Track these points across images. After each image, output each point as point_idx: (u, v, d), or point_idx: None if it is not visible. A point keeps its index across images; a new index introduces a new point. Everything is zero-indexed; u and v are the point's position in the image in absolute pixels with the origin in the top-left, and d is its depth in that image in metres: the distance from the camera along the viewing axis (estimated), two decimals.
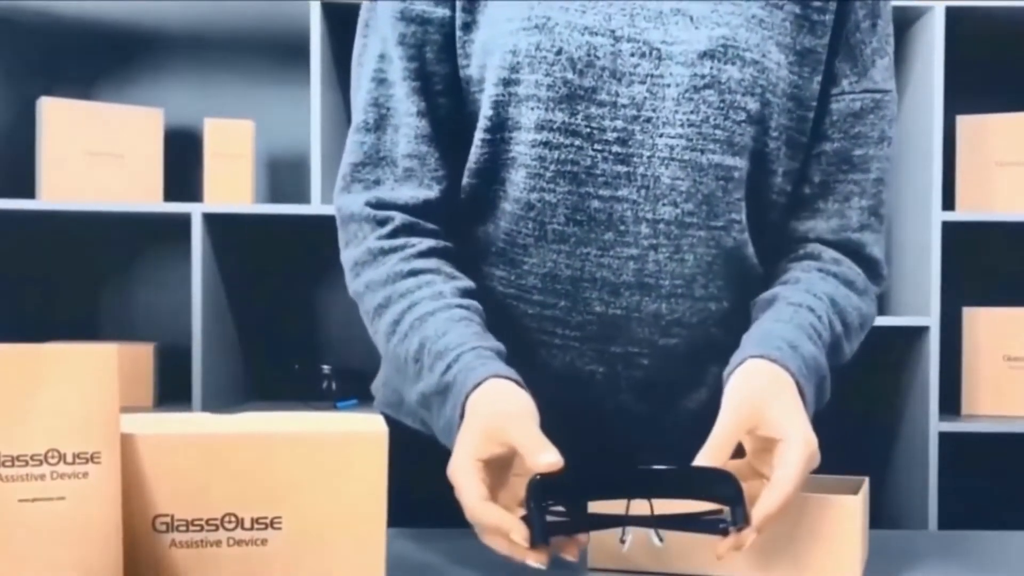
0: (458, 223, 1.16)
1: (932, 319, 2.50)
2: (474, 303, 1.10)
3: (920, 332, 2.56)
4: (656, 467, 0.93)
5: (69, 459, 0.77)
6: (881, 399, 2.82)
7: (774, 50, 1.11)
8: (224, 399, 2.66)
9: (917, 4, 2.51)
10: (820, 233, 1.17)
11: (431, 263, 1.12)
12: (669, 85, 1.08)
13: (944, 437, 2.79)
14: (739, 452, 0.99)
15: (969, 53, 2.84)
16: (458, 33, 1.13)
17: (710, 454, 0.94)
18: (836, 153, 1.16)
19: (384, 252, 1.12)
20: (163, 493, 0.81)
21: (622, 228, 1.10)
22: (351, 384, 2.77)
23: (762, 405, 0.97)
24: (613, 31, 1.09)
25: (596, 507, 0.95)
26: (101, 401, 0.78)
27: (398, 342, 1.08)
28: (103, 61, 2.92)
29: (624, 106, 1.09)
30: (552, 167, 1.10)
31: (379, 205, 1.14)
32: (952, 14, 2.52)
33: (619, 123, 1.09)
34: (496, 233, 1.14)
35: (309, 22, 2.56)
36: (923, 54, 2.57)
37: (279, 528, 0.83)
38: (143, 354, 2.65)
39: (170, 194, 2.80)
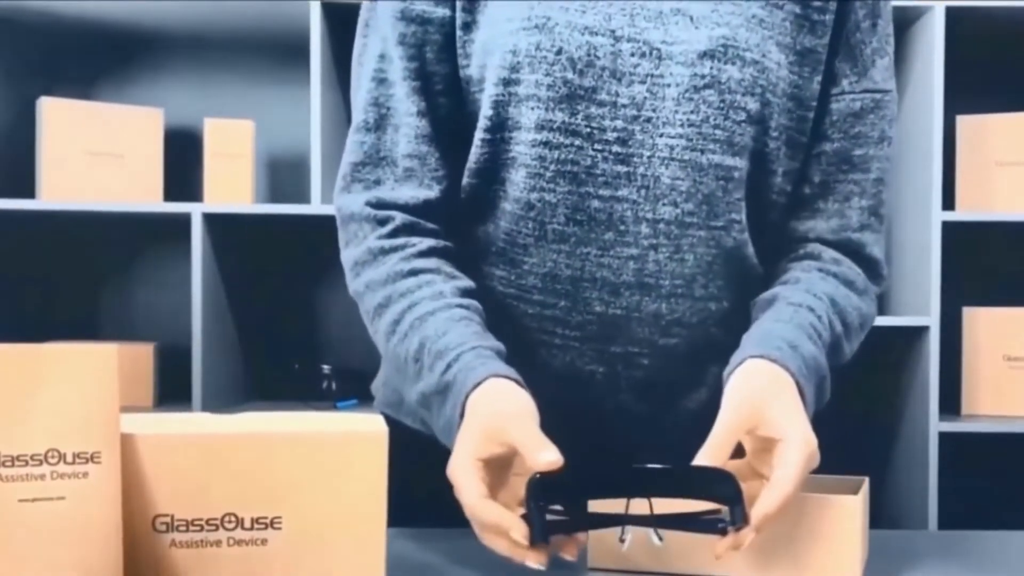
0: (458, 223, 1.16)
1: (932, 319, 2.50)
2: (474, 303, 1.10)
3: (920, 332, 2.56)
4: (655, 466, 0.93)
5: (69, 459, 0.77)
6: (881, 399, 2.82)
7: (774, 50, 1.11)
8: (224, 399, 2.66)
9: (917, 4, 2.51)
10: (820, 233, 1.17)
11: (431, 263, 1.12)
12: (669, 85, 1.08)
13: (944, 437, 2.79)
14: (739, 452, 0.99)
15: (969, 53, 2.84)
16: (458, 33, 1.13)
17: (709, 453, 0.94)
18: (836, 153, 1.16)
19: (384, 252, 1.12)
20: (163, 493, 0.81)
21: (622, 228, 1.10)
22: (351, 384, 2.77)
23: (762, 405, 0.97)
24: (613, 31, 1.09)
25: (595, 506, 0.95)
26: (101, 401, 0.78)
27: (398, 342, 1.08)
28: (103, 61, 2.92)
29: (624, 106, 1.09)
30: (552, 167, 1.10)
31: (379, 205, 1.14)
32: (952, 14, 2.52)
33: (619, 123, 1.09)
34: (496, 233, 1.14)
35: (309, 22, 2.56)
36: (923, 54, 2.57)
37: (279, 528, 0.83)
38: (143, 354, 2.65)
39: (170, 194, 2.80)
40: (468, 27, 1.13)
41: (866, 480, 1.04)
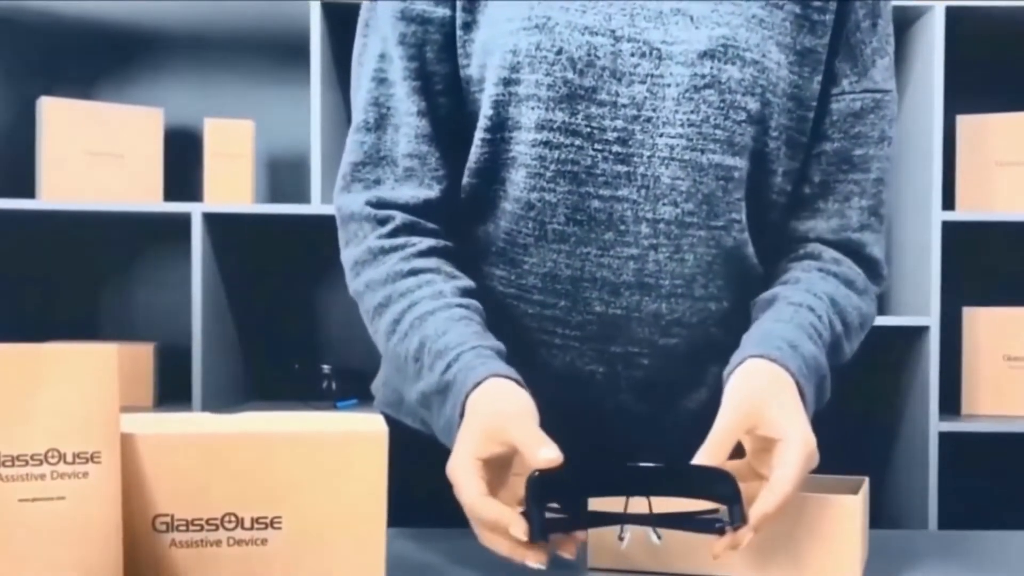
0: (458, 223, 1.16)
1: (932, 319, 2.50)
2: (474, 302, 1.10)
3: (920, 332, 2.56)
4: (654, 465, 0.93)
5: (69, 459, 0.77)
6: (881, 399, 2.82)
7: (774, 50, 1.11)
8: (224, 399, 2.66)
9: (917, 4, 2.51)
10: (820, 233, 1.17)
11: (431, 262, 1.12)
12: (669, 85, 1.08)
13: (944, 437, 2.79)
14: (739, 453, 0.99)
15: (969, 53, 2.84)
16: (458, 33, 1.13)
17: (709, 452, 0.94)
18: (836, 153, 1.16)
19: (384, 251, 1.12)
20: (163, 493, 0.81)
21: (622, 228, 1.10)
22: (351, 384, 2.77)
23: (762, 405, 0.97)
24: (613, 31, 1.09)
25: (594, 505, 0.95)
26: (101, 401, 0.78)
27: (398, 341, 1.08)
28: (103, 61, 2.92)
29: (624, 106, 1.09)
30: (552, 167, 1.10)
31: (379, 204, 1.14)
32: (952, 14, 2.52)
33: (619, 123, 1.09)
34: (496, 233, 1.14)
35: (309, 22, 2.56)
36: (923, 54, 2.57)
37: (279, 528, 0.83)
38: (143, 354, 2.65)
39: (170, 194, 2.80)
40: (468, 27, 1.13)
41: (866, 480, 1.04)
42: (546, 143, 1.09)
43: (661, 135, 1.09)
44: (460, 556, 1.03)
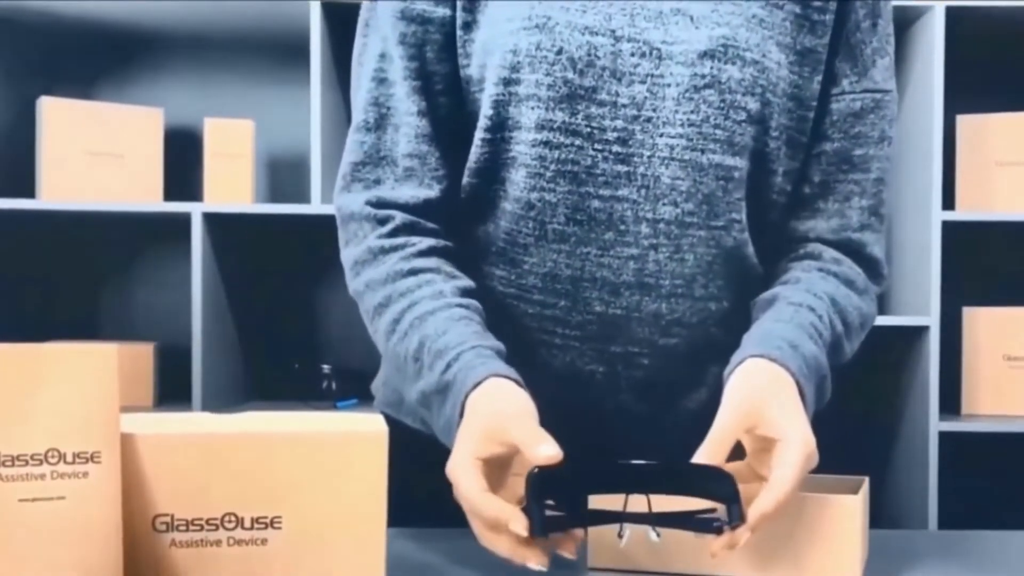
0: (458, 222, 1.16)
1: (932, 319, 2.50)
2: (474, 302, 1.10)
3: (920, 332, 2.56)
4: (653, 463, 0.93)
5: (69, 459, 0.77)
6: (881, 399, 2.82)
7: (774, 50, 1.11)
8: (224, 399, 2.66)
9: (917, 4, 2.51)
10: (820, 233, 1.17)
11: (431, 262, 1.12)
12: (669, 85, 1.08)
13: (944, 437, 2.79)
14: (740, 454, 0.99)
15: (969, 53, 2.84)
16: (458, 32, 1.13)
17: (708, 451, 0.94)
18: (836, 153, 1.16)
19: (384, 251, 1.12)
20: (163, 493, 0.81)
21: (622, 228, 1.10)
22: (351, 384, 2.77)
23: (761, 404, 0.97)
24: (613, 31, 1.09)
25: (594, 503, 0.95)
26: (101, 401, 0.78)
27: (398, 341, 1.08)
28: (103, 61, 2.92)
29: (624, 106, 1.09)
30: (552, 167, 1.10)
31: (379, 204, 1.14)
32: (952, 14, 2.52)
33: (619, 123, 1.09)
34: (496, 233, 1.14)
35: (309, 22, 2.56)
36: (923, 54, 2.57)
37: (279, 528, 0.83)
38: (143, 354, 2.65)
39: (170, 194, 2.80)
40: (468, 27, 1.13)
41: (866, 480, 1.04)
42: (546, 143, 1.09)
43: (661, 135, 1.09)
44: (460, 556, 1.03)
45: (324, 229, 2.35)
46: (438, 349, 1.04)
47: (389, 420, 1.18)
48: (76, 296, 2.92)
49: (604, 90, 1.08)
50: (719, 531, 0.92)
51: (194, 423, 0.85)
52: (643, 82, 1.09)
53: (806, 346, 1.04)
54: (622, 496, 0.94)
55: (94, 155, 2.64)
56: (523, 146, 1.10)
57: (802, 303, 1.09)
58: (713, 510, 0.93)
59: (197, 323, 2.50)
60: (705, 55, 1.08)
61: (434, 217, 1.14)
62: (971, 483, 2.93)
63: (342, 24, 2.59)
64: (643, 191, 1.09)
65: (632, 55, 1.09)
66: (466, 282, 1.12)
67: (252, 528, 0.83)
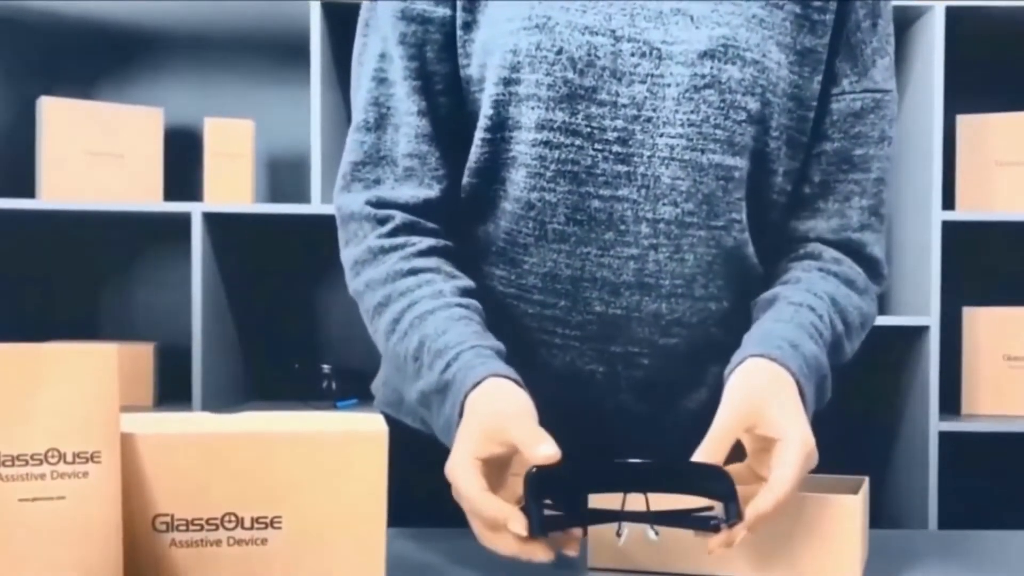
0: (458, 222, 1.16)
1: (932, 319, 2.50)
2: (474, 302, 1.10)
3: (920, 332, 2.56)
4: (651, 461, 0.93)
5: (69, 459, 0.77)
6: (881, 399, 2.82)
7: (774, 50, 1.11)
8: (224, 399, 2.66)
9: (917, 4, 2.51)
10: (820, 233, 1.17)
11: (431, 262, 1.12)
12: (669, 85, 1.08)
13: (944, 437, 2.79)
14: (740, 455, 0.99)
15: (969, 53, 2.84)
16: (458, 32, 1.13)
17: (707, 450, 0.94)
18: (836, 153, 1.16)
19: (384, 251, 1.12)
20: (163, 493, 0.81)
21: (622, 228, 1.10)
22: (351, 384, 2.77)
23: (761, 404, 0.97)
24: (613, 31, 1.09)
25: (593, 502, 0.95)
26: (101, 401, 0.78)
27: (397, 340, 1.08)
28: (103, 61, 2.92)
29: (624, 106, 1.09)
30: (552, 167, 1.10)
31: (379, 204, 1.14)
32: (952, 14, 2.52)
33: (619, 123, 1.09)
34: (496, 232, 1.14)
35: (309, 22, 2.56)
36: (923, 54, 2.57)
37: (279, 528, 0.83)
38: (143, 354, 2.65)
39: (170, 194, 2.80)
40: (468, 27, 1.13)
41: (866, 480, 1.04)
42: (546, 143, 1.09)
43: (661, 135, 1.09)
44: (460, 556, 1.03)
45: (324, 229, 2.35)
46: (438, 349, 1.04)
47: (389, 420, 1.18)
48: (76, 296, 2.92)
49: (604, 90, 1.08)
50: (716, 529, 0.92)
51: (194, 423, 0.85)
52: (643, 82, 1.09)
53: (806, 346, 1.04)
54: (620, 495, 0.94)
55: (94, 155, 2.64)
56: (523, 146, 1.10)
57: (802, 303, 1.09)
58: (710, 508, 0.94)
59: (197, 323, 2.50)
60: (705, 55, 1.08)
61: (434, 217, 1.14)
62: (971, 483, 2.93)
63: (342, 24, 2.59)
64: (643, 191, 1.09)
65: (632, 55, 1.09)
66: (466, 282, 1.12)
67: (252, 528, 0.83)
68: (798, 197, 1.17)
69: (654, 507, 0.93)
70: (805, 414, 0.99)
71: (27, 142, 2.75)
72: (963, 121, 2.67)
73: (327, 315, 2.94)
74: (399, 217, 1.13)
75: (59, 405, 0.77)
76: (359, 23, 1.18)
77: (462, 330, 1.05)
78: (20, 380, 0.76)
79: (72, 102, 2.64)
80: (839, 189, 1.16)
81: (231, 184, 2.60)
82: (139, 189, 2.67)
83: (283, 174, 2.94)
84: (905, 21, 2.64)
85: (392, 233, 1.13)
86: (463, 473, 0.95)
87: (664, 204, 1.10)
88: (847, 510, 0.96)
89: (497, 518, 0.91)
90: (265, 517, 0.83)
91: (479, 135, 1.12)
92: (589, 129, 1.09)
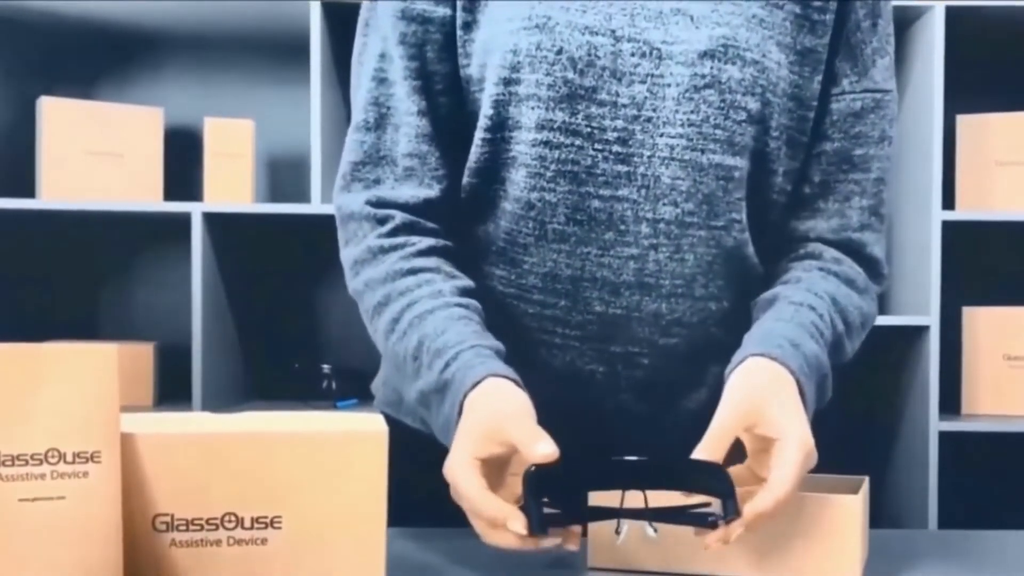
0: (458, 222, 1.16)
1: (932, 319, 2.50)
2: (473, 302, 1.10)
3: (920, 332, 2.56)
4: (649, 459, 0.93)
5: (69, 458, 0.77)
6: (881, 399, 2.82)
7: (774, 50, 1.11)
8: (224, 399, 2.66)
9: (917, 4, 2.51)
10: (821, 233, 1.17)
11: (431, 262, 1.12)
12: (669, 85, 1.08)
13: (944, 437, 2.79)
14: (740, 456, 0.99)
15: (969, 53, 2.84)
16: (459, 32, 1.13)
17: (706, 447, 0.94)
18: (836, 153, 1.16)
19: (384, 250, 1.12)
20: (163, 493, 0.81)
21: (622, 228, 1.10)
22: (351, 384, 2.77)
23: (761, 403, 0.97)
24: (613, 31, 1.09)
25: (591, 500, 0.95)
26: (101, 401, 0.78)
27: (397, 340, 1.08)
28: (103, 61, 2.92)
29: (624, 106, 1.09)
30: (552, 166, 1.10)
31: (379, 204, 1.14)
32: (952, 14, 2.52)
33: (619, 123, 1.09)
34: (496, 232, 1.14)
35: (309, 22, 2.56)
36: (923, 54, 2.57)
37: (279, 528, 0.83)
38: (143, 354, 2.65)
39: (170, 194, 2.80)
40: (468, 26, 1.13)
41: (866, 480, 1.04)
42: (546, 143, 1.09)
43: (661, 135, 1.09)
44: (460, 556, 1.03)
45: (324, 229, 2.35)
46: (437, 348, 1.04)
47: (389, 420, 1.18)
48: (76, 296, 2.92)
49: (604, 90, 1.08)
50: (714, 525, 0.92)
51: (194, 423, 0.85)
52: (643, 82, 1.09)
53: (807, 345, 1.04)
54: (619, 493, 0.94)
55: (94, 155, 2.64)
56: (523, 146, 1.10)
57: (803, 302, 1.09)
58: (708, 504, 0.94)
59: (197, 323, 2.50)
60: (705, 55, 1.08)
61: (434, 217, 1.14)
62: (971, 483, 2.93)
63: (342, 24, 2.59)
64: (643, 191, 1.09)
65: (632, 55, 1.09)
66: (465, 282, 1.12)
67: (252, 528, 0.83)
68: (798, 197, 1.17)
69: (652, 504, 0.94)
70: (805, 414, 0.99)
71: (27, 142, 2.75)
72: (963, 121, 2.67)
73: (327, 315, 2.94)
74: (399, 217, 1.13)
75: (59, 405, 0.77)
76: (359, 23, 1.18)
77: (461, 330, 1.05)
78: (20, 380, 0.76)
79: (72, 102, 2.64)
80: (839, 189, 1.16)
81: (231, 184, 2.60)
82: (139, 189, 2.67)
83: (283, 174, 2.94)
84: (905, 21, 2.64)
85: (392, 233, 1.13)
86: (463, 473, 0.95)
87: (664, 204, 1.10)
88: (847, 510, 0.96)
89: (497, 517, 0.91)
90: (265, 517, 0.83)
91: (479, 135, 1.12)
92: (589, 129, 1.09)
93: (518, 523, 0.90)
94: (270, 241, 2.91)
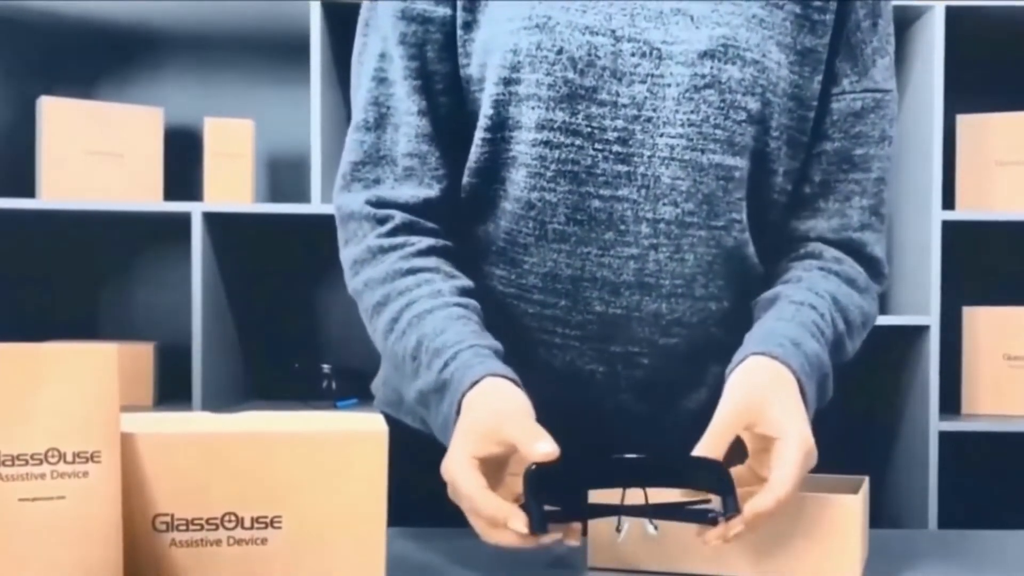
0: (458, 222, 1.16)
1: (932, 318, 2.50)
2: (472, 302, 1.10)
3: (920, 331, 2.56)
4: (648, 456, 0.93)
5: (69, 458, 0.77)
6: (881, 399, 2.82)
7: (774, 50, 1.11)
8: (224, 399, 2.66)
9: (917, 4, 2.51)
10: (821, 232, 1.17)
11: (430, 262, 1.12)
12: (669, 85, 1.08)
13: (944, 437, 2.79)
14: (740, 456, 0.99)
15: (969, 53, 2.84)
16: (459, 32, 1.13)
17: (706, 446, 0.95)
18: (837, 152, 1.16)
19: (383, 250, 1.12)
20: (163, 492, 0.81)
21: (622, 228, 1.10)
22: (351, 384, 2.77)
23: (762, 402, 0.97)
24: (614, 31, 1.09)
25: (591, 498, 0.95)
26: (101, 401, 0.78)
27: (396, 339, 1.08)
28: (103, 61, 2.92)
29: (624, 106, 1.09)
30: (553, 166, 1.10)
31: (379, 204, 1.14)
32: (952, 14, 2.52)
33: (620, 123, 1.09)
34: (496, 232, 1.14)
35: (309, 22, 2.56)
36: (923, 54, 2.57)
37: (279, 528, 0.83)
38: (143, 354, 2.65)
39: (170, 193, 2.80)
40: (469, 26, 1.13)
41: (866, 480, 1.04)
42: (546, 143, 1.09)
43: (661, 135, 1.09)
44: (460, 556, 1.03)
45: (324, 229, 2.35)
46: (436, 348, 1.04)
47: (389, 420, 1.18)
48: (76, 296, 2.92)
49: (604, 90, 1.08)
50: (714, 522, 0.93)
51: (194, 423, 0.85)
52: (643, 82, 1.09)
53: (808, 344, 1.04)
54: (619, 491, 0.94)
55: (94, 155, 2.64)
56: (523, 146, 1.10)
57: (804, 301, 1.09)
58: (708, 501, 0.94)
59: (197, 323, 2.50)
60: (705, 55, 1.08)
61: (434, 217, 1.14)
62: (971, 483, 2.93)
63: (342, 24, 2.59)
64: (643, 191, 1.09)
65: (632, 55, 1.09)
66: (465, 282, 1.12)
67: (252, 528, 0.83)
68: (798, 197, 1.17)
69: (652, 501, 0.94)
70: (806, 413, 0.99)
71: (27, 142, 2.75)
72: (963, 121, 2.67)
73: (327, 315, 2.94)
74: (399, 217, 1.13)
75: (59, 405, 0.77)
76: (359, 23, 1.18)
77: (460, 329, 1.05)
78: (20, 380, 0.76)
79: (72, 102, 2.64)
80: (839, 189, 1.16)
81: (231, 184, 2.60)
82: (139, 189, 2.67)
83: (283, 174, 2.94)
84: (905, 21, 2.64)
85: (391, 233, 1.13)
86: (462, 472, 0.95)
87: (664, 204, 1.10)
88: (847, 510, 0.96)
89: (497, 516, 0.91)
90: (265, 517, 0.83)
91: (479, 135, 1.12)
92: (589, 129, 1.09)
93: (519, 522, 0.90)
94: (270, 241, 2.91)
